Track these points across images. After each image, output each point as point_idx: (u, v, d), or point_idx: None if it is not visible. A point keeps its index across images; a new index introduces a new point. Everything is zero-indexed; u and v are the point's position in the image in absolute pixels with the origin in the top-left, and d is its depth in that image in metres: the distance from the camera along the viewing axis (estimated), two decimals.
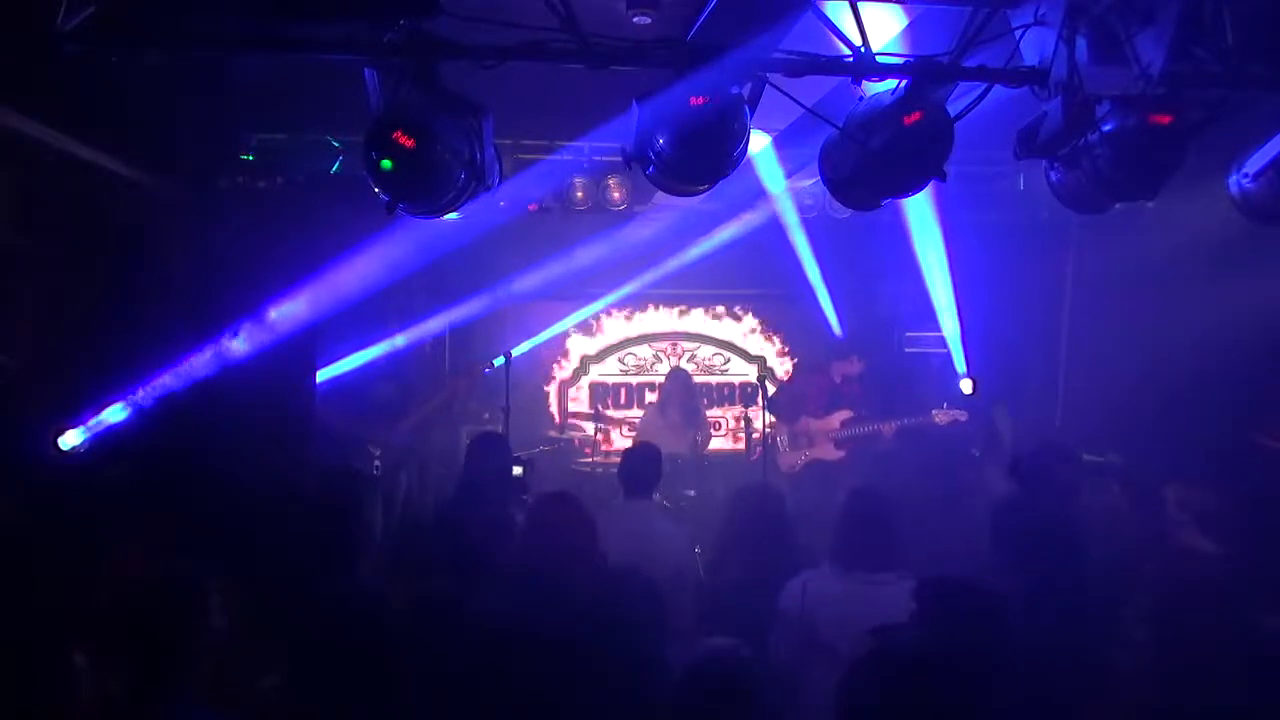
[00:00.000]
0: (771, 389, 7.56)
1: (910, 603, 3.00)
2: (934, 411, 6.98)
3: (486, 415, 7.53)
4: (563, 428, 8.83)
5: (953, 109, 3.76)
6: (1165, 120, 3.66)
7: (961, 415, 6.95)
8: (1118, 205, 4.20)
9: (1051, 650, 3.11)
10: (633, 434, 8.58)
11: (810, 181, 7.16)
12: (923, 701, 2.22)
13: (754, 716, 2.71)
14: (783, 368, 9.41)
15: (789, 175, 6.91)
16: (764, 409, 6.96)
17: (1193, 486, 4.29)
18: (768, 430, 7.21)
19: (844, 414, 7.20)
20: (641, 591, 3.50)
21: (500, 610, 3.67)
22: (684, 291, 9.06)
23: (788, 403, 7.53)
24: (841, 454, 7.20)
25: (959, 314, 7.65)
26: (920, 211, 7.10)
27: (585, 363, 9.34)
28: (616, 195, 7.15)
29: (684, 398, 7.82)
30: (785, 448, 7.45)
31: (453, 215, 4.13)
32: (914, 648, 2.38)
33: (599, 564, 3.72)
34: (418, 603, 3.30)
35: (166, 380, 5.40)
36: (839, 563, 3.66)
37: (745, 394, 9.17)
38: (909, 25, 3.97)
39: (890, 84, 3.78)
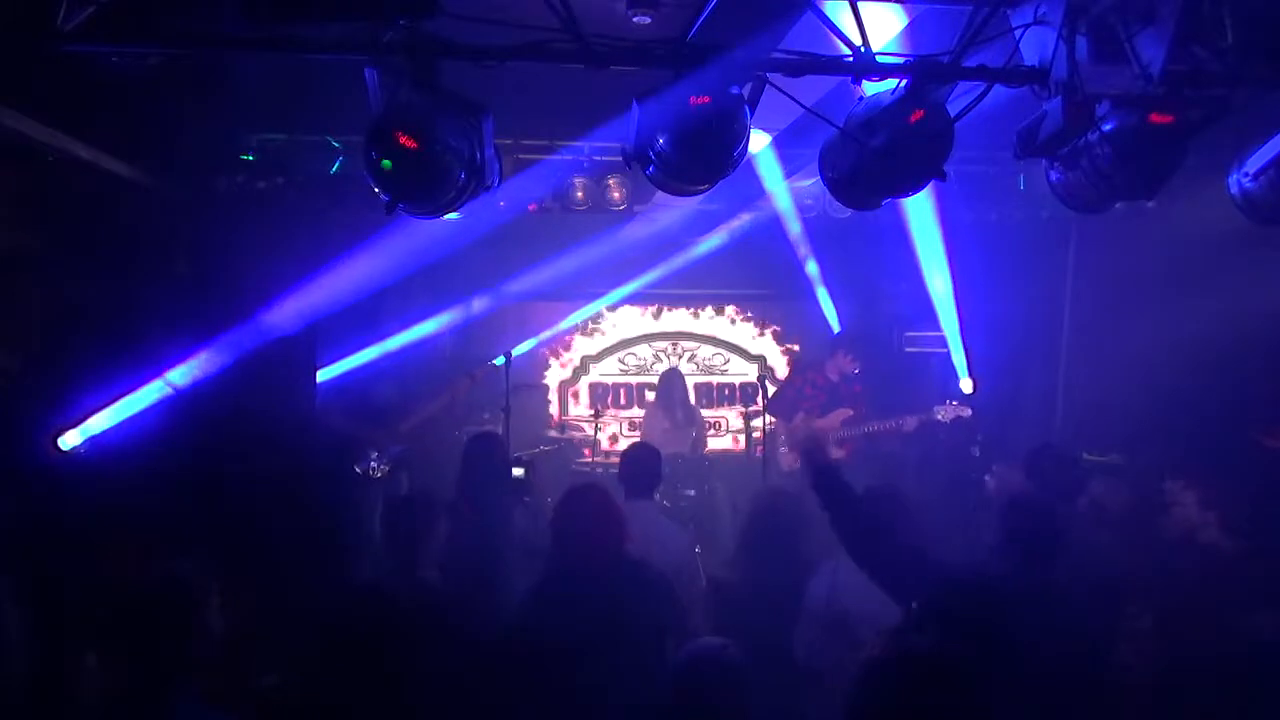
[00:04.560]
0: (771, 389, 7.55)
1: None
2: (937, 407, 6.92)
3: (486, 415, 7.53)
4: (563, 427, 8.83)
5: (953, 109, 3.76)
6: (1165, 120, 3.66)
7: (965, 410, 6.88)
8: (1118, 205, 4.20)
9: (1053, 648, 3.11)
10: (634, 433, 8.59)
11: (810, 181, 7.15)
12: (923, 702, 2.22)
13: (741, 715, 2.70)
14: (783, 367, 9.40)
15: (789, 175, 6.91)
16: (764, 409, 6.95)
17: (1192, 482, 4.29)
18: (769, 429, 7.20)
19: (844, 413, 7.16)
20: (660, 588, 3.51)
21: (515, 606, 3.68)
22: (684, 291, 9.05)
23: (786, 402, 7.52)
24: (843, 453, 7.17)
25: (959, 314, 7.65)
26: (920, 211, 7.09)
27: (585, 363, 9.35)
28: (616, 195, 7.14)
29: (683, 396, 7.88)
30: (786, 447, 7.44)
31: (453, 215, 4.13)
32: (913, 648, 2.37)
33: (624, 557, 3.71)
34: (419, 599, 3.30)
35: (167, 380, 5.39)
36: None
37: (745, 394, 9.17)
38: (909, 25, 3.97)
39: (890, 84, 3.78)
